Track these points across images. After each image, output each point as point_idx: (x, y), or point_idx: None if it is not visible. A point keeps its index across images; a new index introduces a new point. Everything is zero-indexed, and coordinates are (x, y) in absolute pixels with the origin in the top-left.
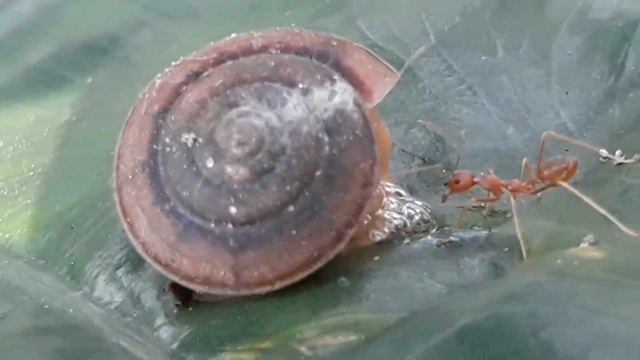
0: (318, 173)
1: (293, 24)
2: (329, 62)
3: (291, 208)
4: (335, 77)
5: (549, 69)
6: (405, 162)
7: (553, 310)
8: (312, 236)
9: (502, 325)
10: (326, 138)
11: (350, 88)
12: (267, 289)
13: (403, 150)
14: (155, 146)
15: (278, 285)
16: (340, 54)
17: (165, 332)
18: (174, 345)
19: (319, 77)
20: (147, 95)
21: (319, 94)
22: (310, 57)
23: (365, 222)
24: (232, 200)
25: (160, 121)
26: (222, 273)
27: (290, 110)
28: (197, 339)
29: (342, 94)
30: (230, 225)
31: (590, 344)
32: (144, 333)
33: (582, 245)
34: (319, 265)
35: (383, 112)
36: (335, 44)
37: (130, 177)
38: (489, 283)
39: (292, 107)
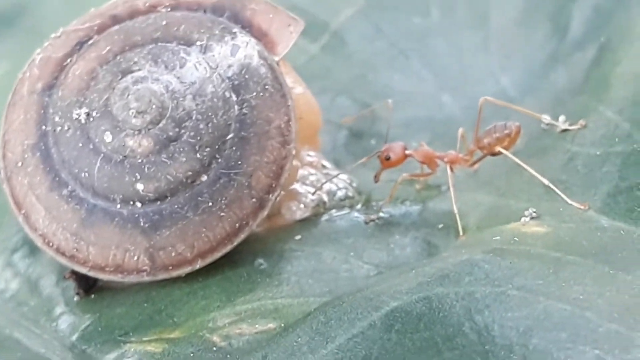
0: (230, 136)
1: None
2: (226, 16)
3: (204, 177)
4: (235, 30)
5: (488, 31)
6: (332, 132)
7: (490, 291)
8: (231, 206)
9: (435, 308)
10: (234, 97)
11: (253, 40)
12: (187, 269)
13: (329, 120)
14: (44, 127)
15: (199, 264)
16: (237, 5)
17: (64, 322)
18: (74, 337)
19: (217, 31)
20: (27, 74)
21: (220, 50)
22: (205, 12)
23: (278, 198)
24: (138, 176)
25: (47, 99)
26: (136, 258)
27: (190, 70)
28: (98, 329)
29: (245, 48)
30: (138, 204)
31: (531, 328)
32: (41, 324)
33: (523, 219)
34: (242, 237)
35: (307, 79)
36: None
37: (20, 164)
38: (421, 263)
39: (192, 66)
